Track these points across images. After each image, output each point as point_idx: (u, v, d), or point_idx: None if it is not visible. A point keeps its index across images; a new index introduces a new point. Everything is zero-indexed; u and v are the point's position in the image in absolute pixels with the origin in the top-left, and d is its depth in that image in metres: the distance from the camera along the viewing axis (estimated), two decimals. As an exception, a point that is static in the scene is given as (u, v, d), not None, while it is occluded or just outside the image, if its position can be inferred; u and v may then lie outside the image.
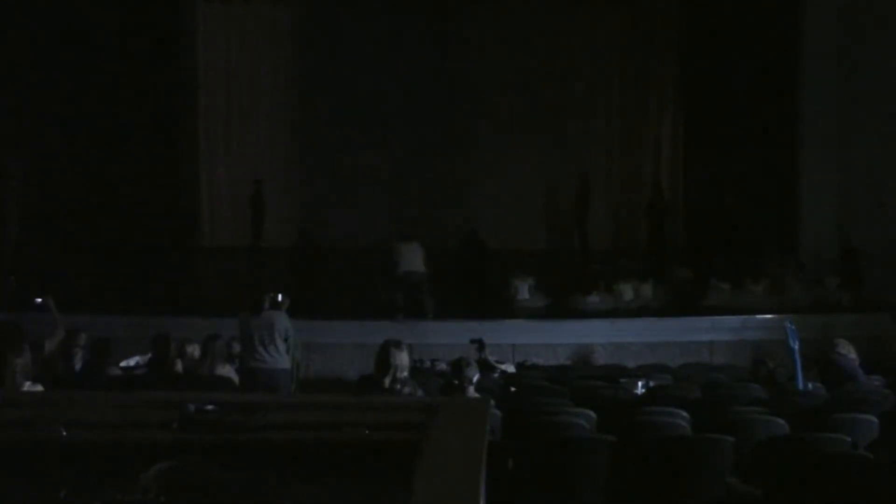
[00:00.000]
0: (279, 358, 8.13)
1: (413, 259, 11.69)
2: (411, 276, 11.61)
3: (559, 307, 12.12)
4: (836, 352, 7.70)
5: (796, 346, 7.54)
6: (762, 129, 15.33)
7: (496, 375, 8.78)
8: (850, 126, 13.82)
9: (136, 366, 8.71)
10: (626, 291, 12.25)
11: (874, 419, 5.95)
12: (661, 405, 6.37)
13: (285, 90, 17.71)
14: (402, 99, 17.24)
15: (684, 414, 6.02)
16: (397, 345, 5.87)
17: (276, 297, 8.46)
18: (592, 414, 6.03)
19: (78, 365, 7.72)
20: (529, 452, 5.48)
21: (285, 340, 8.21)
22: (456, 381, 6.39)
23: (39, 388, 5.48)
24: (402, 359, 5.79)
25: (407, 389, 5.68)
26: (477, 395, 6.24)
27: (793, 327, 7.75)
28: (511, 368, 9.62)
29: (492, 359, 9.52)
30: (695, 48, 16.78)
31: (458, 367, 6.51)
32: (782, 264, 13.09)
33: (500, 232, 15.60)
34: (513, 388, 7.91)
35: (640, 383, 8.11)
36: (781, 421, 5.88)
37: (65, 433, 2.85)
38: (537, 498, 5.33)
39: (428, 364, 9.75)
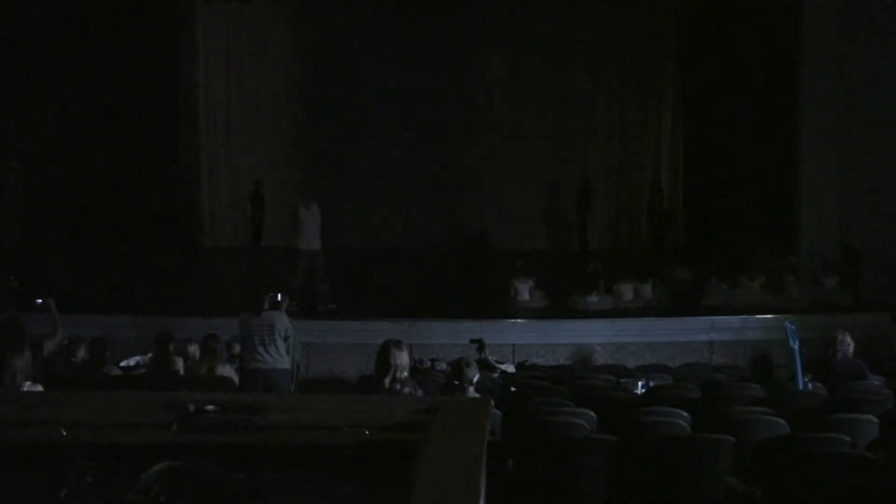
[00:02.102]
0: (279, 358, 8.13)
1: (312, 234, 11.54)
2: (310, 258, 11.50)
3: (559, 307, 12.11)
4: (837, 347, 7.70)
5: (796, 346, 7.53)
6: (762, 129, 15.34)
7: (496, 375, 8.77)
8: (849, 126, 13.82)
9: (136, 366, 8.72)
10: (626, 291, 12.23)
11: (874, 419, 5.95)
12: (661, 405, 6.36)
13: (285, 90, 17.72)
14: (402, 99, 17.25)
15: (684, 414, 6.01)
16: (397, 345, 5.88)
17: (276, 297, 8.45)
18: (592, 414, 6.02)
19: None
20: (529, 452, 5.48)
21: (285, 340, 8.20)
22: (456, 381, 6.39)
23: (39, 388, 5.48)
24: (402, 359, 5.81)
25: (407, 389, 5.69)
26: (477, 395, 6.24)
27: (793, 327, 7.73)
28: (511, 368, 9.61)
29: (492, 359, 9.50)
30: (694, 49, 16.79)
31: (458, 367, 6.51)
32: (781, 264, 13.09)
33: (500, 232, 15.62)
34: (513, 388, 7.90)
35: (640, 383, 8.10)
36: (781, 421, 5.88)
37: (65, 433, 2.86)
38: (537, 498, 5.33)
39: (428, 364, 9.74)
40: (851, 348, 7.75)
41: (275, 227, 16.41)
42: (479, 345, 9.43)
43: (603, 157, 17.83)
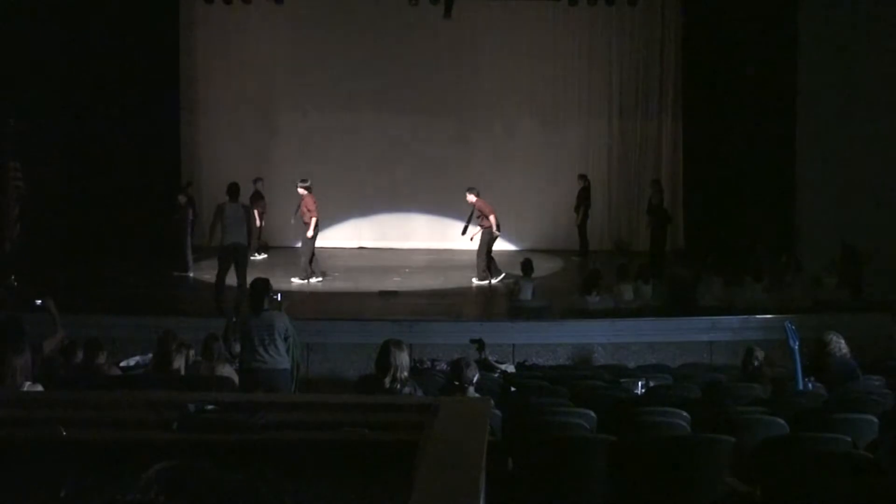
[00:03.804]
0: (279, 358, 8.11)
1: (237, 227, 11.58)
2: (236, 251, 11.55)
3: (559, 307, 12.11)
4: (831, 349, 7.67)
5: (796, 346, 7.52)
6: (762, 129, 15.35)
7: (496, 375, 8.77)
8: (849, 125, 13.82)
9: (136, 366, 8.72)
10: (626, 291, 12.22)
11: (874, 419, 5.94)
12: (661, 405, 6.36)
13: (285, 90, 17.71)
14: (402, 99, 17.27)
15: (684, 414, 6.01)
16: (397, 345, 5.89)
17: (276, 296, 8.44)
18: (592, 414, 6.02)
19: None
20: (529, 452, 5.47)
21: (285, 340, 8.19)
22: (456, 381, 6.38)
23: (39, 388, 5.47)
24: (402, 359, 5.81)
25: (407, 389, 5.70)
26: (477, 395, 6.23)
27: (793, 327, 7.71)
28: (511, 368, 9.60)
29: (492, 359, 9.50)
30: (695, 49, 16.81)
31: (458, 367, 6.50)
32: (781, 264, 13.08)
33: (501, 232, 15.56)
34: (513, 388, 7.90)
35: (640, 383, 8.10)
36: (781, 421, 5.87)
37: (65, 433, 2.86)
38: (537, 498, 5.32)
39: (428, 364, 9.73)
40: (845, 349, 7.72)
41: (275, 226, 16.42)
42: (479, 345, 9.42)
43: (603, 156, 17.84)
